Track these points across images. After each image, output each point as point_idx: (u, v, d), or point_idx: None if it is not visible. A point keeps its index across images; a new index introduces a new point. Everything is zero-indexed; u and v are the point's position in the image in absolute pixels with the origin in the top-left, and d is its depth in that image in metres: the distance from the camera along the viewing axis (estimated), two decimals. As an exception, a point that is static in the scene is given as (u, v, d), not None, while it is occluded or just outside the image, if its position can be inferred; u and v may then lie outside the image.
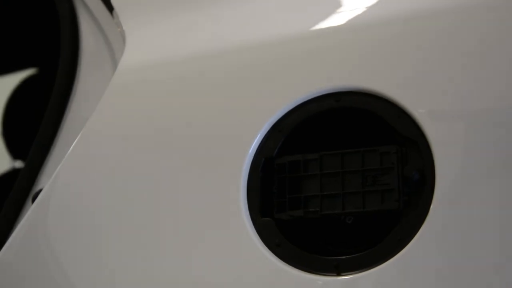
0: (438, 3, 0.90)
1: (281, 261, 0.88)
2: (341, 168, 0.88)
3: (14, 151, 2.24)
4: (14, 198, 1.17)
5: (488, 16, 0.87)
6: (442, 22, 0.89)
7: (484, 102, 0.85)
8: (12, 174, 2.18)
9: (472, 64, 0.86)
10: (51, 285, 1.01)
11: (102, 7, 1.21)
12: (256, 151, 0.93)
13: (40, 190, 1.07)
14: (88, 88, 1.23)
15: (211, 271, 0.91)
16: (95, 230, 1.00)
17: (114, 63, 1.17)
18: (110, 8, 1.19)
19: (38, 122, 1.23)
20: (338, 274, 0.85)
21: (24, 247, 1.05)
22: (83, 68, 1.24)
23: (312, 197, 0.89)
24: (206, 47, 1.02)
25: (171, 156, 0.98)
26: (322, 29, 0.96)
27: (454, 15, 0.89)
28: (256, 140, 0.93)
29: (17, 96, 2.23)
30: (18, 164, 2.22)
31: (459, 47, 0.87)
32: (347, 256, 0.85)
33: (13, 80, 2.25)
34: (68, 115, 1.22)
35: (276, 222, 0.90)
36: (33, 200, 1.07)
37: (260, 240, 0.90)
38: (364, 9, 0.94)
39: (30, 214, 1.05)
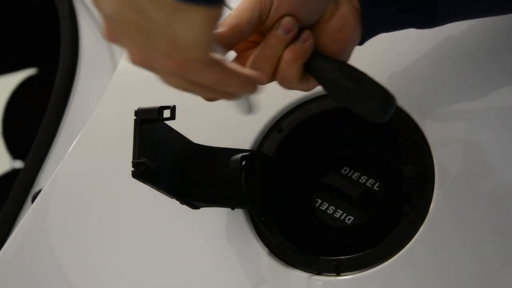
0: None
1: (281, 261, 0.88)
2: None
3: (14, 151, 2.24)
4: (14, 198, 1.17)
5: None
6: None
7: (483, 102, 0.85)
8: (12, 174, 2.18)
9: (470, 63, 0.86)
10: (51, 284, 1.01)
11: (102, 7, 1.21)
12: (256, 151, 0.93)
13: (40, 190, 1.07)
14: (88, 88, 1.23)
15: (211, 272, 0.91)
16: (94, 230, 1.00)
17: (114, 63, 1.17)
18: (110, 8, 1.18)
19: (38, 122, 1.23)
20: (338, 274, 0.85)
21: (24, 247, 1.05)
22: (83, 68, 1.24)
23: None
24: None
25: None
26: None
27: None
28: (255, 140, 0.93)
29: (17, 96, 2.23)
30: (18, 164, 2.22)
31: (459, 47, 0.87)
32: (347, 256, 0.85)
33: (13, 80, 2.25)
34: (68, 115, 1.22)
35: (276, 222, 0.90)
36: (33, 200, 1.07)
37: (260, 240, 0.90)
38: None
39: (30, 214, 1.05)
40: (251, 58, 0.74)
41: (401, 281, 0.83)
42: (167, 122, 0.81)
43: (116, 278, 0.97)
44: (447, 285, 0.81)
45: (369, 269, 0.84)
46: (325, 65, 0.74)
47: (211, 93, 0.69)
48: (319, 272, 0.86)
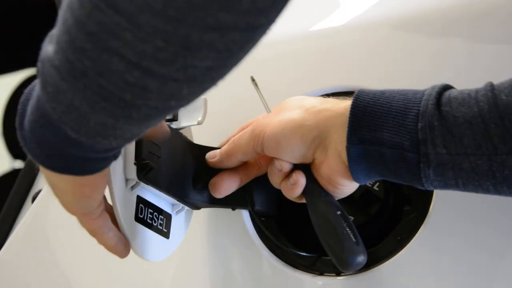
0: (436, 3, 0.90)
1: (281, 261, 0.88)
2: None
3: (14, 151, 2.24)
4: (14, 198, 1.17)
5: (482, 14, 0.87)
6: (442, 20, 0.89)
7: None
8: (12, 174, 2.18)
9: (470, 62, 0.86)
10: (51, 285, 1.01)
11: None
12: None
13: (40, 190, 1.07)
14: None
15: (211, 272, 0.91)
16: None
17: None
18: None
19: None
20: (338, 274, 0.85)
21: (24, 247, 1.05)
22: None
23: None
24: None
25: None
26: (324, 28, 0.96)
27: (452, 14, 0.89)
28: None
29: (17, 96, 2.23)
30: (18, 164, 2.22)
31: (458, 47, 0.87)
32: (347, 256, 0.85)
33: (13, 80, 2.25)
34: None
35: (276, 222, 0.90)
36: (33, 200, 1.07)
37: (260, 240, 0.90)
38: (365, 9, 0.94)
39: (30, 214, 1.05)
40: None
41: (401, 281, 0.83)
42: (168, 123, 0.81)
43: (116, 278, 0.97)
44: (446, 285, 0.81)
45: (369, 269, 0.84)
46: (311, 200, 0.79)
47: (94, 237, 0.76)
48: (319, 272, 0.86)
